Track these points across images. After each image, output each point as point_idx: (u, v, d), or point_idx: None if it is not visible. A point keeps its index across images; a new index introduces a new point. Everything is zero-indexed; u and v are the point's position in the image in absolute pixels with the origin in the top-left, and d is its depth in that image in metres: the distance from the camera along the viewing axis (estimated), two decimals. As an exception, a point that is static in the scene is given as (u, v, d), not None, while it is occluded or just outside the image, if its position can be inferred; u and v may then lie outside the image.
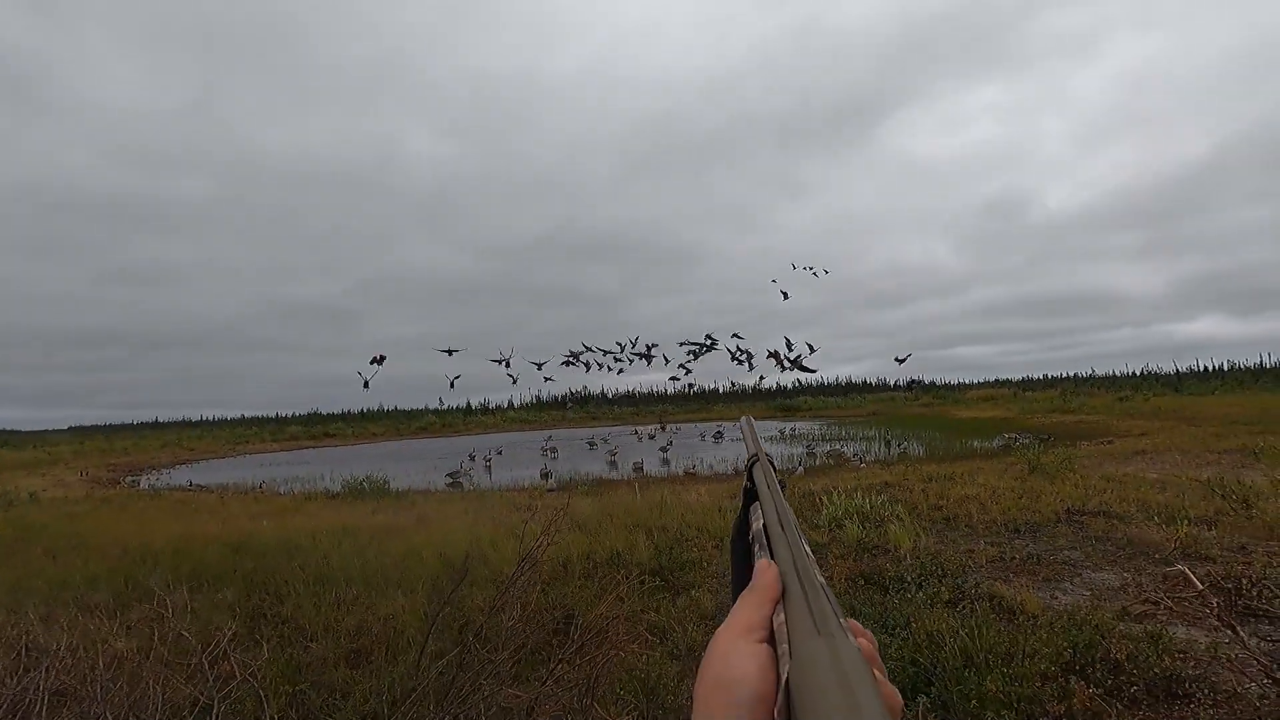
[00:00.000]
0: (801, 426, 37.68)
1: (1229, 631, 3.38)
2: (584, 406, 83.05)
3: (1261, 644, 3.78)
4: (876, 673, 0.38)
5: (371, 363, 12.54)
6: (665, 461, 23.37)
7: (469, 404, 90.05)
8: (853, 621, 0.42)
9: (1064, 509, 8.27)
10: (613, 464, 22.67)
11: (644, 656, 4.09)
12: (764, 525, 0.55)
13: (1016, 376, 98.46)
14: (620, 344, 15.12)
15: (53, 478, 23.72)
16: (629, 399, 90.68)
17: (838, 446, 24.13)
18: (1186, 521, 6.96)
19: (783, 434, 33.10)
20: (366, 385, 12.25)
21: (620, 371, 14.98)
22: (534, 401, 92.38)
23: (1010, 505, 8.61)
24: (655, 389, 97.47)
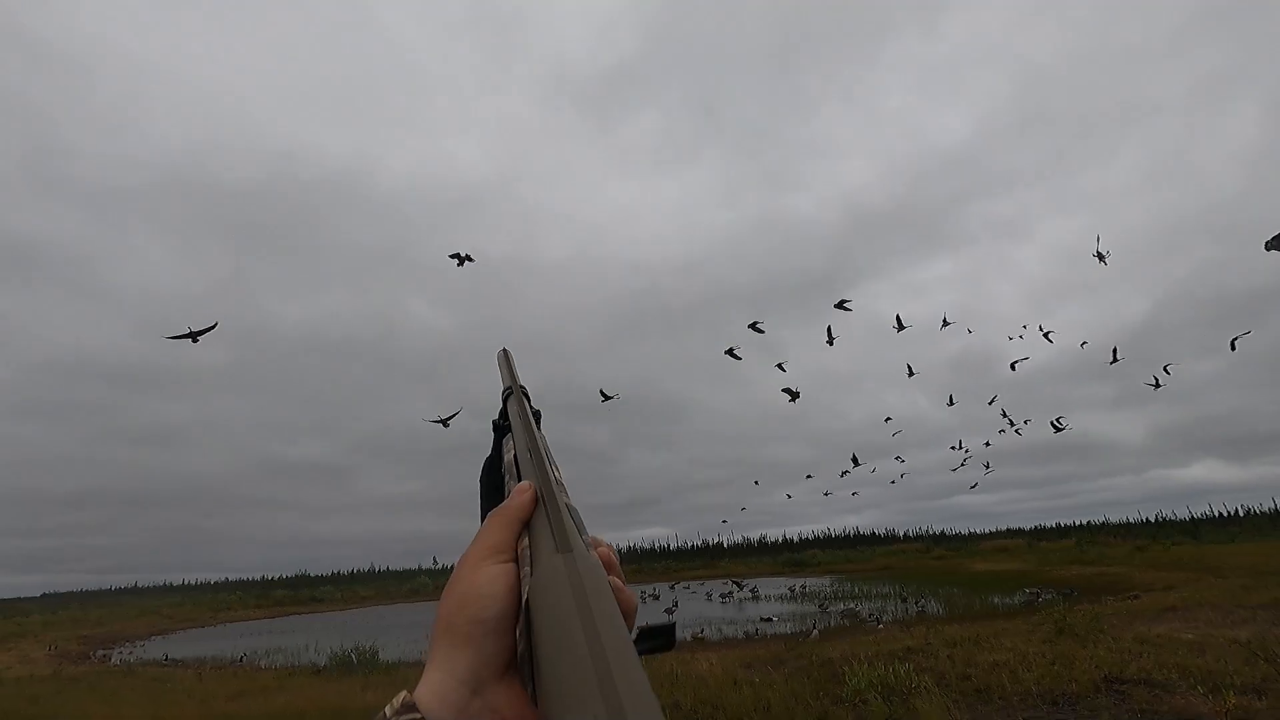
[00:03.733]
0: (812, 583, 36.07)
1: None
2: (583, 564, 79.87)
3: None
4: (615, 580, 0.40)
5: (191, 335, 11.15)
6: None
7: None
8: (593, 535, 0.45)
9: (1101, 676, 7.79)
10: (616, 628, 21.46)
11: None
12: (514, 456, 0.56)
13: (1026, 525, 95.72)
14: None
15: (18, 653, 22.27)
16: (631, 555, 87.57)
17: (852, 605, 23.01)
18: (1233, 691, 6.55)
19: (793, 591, 31.61)
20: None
21: None
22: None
23: (1043, 673, 8.11)
24: (657, 544, 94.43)
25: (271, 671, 15.30)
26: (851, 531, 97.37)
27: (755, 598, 31.15)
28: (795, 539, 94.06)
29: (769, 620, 19.12)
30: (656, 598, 33.50)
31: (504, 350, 0.79)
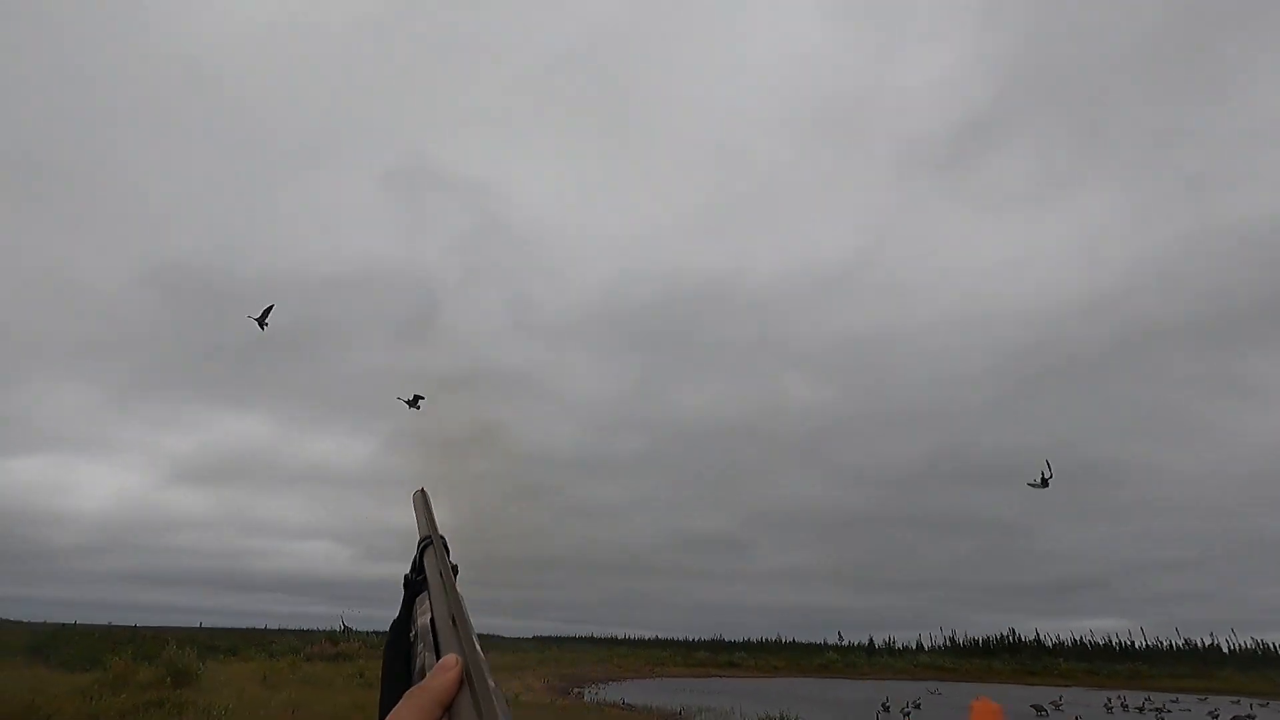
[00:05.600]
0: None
1: None
2: (1015, 656, 68.28)
3: None
4: None
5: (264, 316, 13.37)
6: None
7: (871, 641, 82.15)
8: None
9: None
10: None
11: None
12: (431, 620, 0.47)
13: None
14: None
15: (523, 683, 28.56)
16: (1079, 650, 71.63)
17: None
18: None
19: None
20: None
21: None
22: (948, 645, 79.58)
23: None
24: (1115, 639, 75.57)
25: (706, 729, 16.70)
26: None
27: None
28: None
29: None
30: (1125, 709, 26.69)
31: (421, 491, 0.68)
